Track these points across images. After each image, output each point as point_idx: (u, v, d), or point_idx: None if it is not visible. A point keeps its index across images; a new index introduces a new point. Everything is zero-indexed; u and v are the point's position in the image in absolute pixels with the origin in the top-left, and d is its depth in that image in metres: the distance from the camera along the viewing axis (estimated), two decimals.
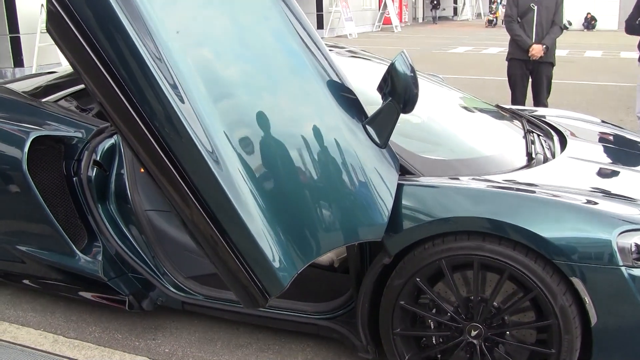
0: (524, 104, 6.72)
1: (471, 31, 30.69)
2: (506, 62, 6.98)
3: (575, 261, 2.42)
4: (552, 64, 6.70)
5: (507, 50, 6.92)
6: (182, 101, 2.26)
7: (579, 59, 16.85)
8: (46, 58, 11.66)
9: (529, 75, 6.76)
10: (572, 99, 9.66)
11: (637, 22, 6.08)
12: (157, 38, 2.24)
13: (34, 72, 11.09)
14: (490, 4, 39.76)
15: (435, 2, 37.78)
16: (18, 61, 12.05)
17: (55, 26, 2.29)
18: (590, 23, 30.97)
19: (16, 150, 3.18)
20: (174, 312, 3.44)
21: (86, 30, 2.22)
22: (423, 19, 40.05)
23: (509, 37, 6.81)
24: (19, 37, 11.97)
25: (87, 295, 3.37)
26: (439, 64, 15.60)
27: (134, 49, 2.21)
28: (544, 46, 6.47)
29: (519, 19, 6.61)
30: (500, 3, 37.64)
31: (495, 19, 36.07)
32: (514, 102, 6.78)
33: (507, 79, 6.96)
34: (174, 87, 2.25)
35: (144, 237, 3.26)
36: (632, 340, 2.49)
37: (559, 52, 6.91)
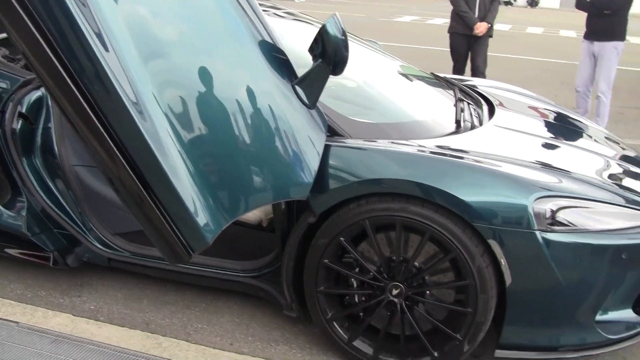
0: (463, 74, 7.00)
1: (418, 1, 30.82)
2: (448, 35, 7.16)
3: (493, 225, 2.51)
4: (490, 36, 7.02)
5: (449, 24, 7.12)
6: (108, 52, 2.17)
7: (520, 35, 17.12)
8: None
9: (469, 47, 7.04)
10: (509, 74, 9.84)
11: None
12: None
13: None
14: None
15: None
16: None
17: None
18: (533, 0, 31.53)
19: None
20: (100, 269, 3.44)
21: None
22: None
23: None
24: None
25: (11, 251, 3.32)
26: (384, 32, 15.64)
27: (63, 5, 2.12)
28: (489, 25, 6.80)
29: None
30: None
31: None
32: (455, 72, 7.04)
33: (449, 50, 7.15)
34: (99, 36, 2.15)
35: (70, 192, 3.21)
36: (544, 301, 2.60)
37: (501, 27, 7.13)
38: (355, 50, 3.51)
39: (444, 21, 19.36)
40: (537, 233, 2.50)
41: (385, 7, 24.89)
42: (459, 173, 2.63)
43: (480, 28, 6.77)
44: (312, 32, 3.55)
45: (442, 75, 4.46)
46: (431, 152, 2.78)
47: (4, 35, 3.55)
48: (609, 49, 6.47)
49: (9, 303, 3.16)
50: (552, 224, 2.53)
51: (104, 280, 3.43)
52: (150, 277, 3.33)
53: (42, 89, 3.18)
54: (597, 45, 6.52)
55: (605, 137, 3.82)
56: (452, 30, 7.12)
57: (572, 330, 2.68)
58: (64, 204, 3.22)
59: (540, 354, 2.70)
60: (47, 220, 3.26)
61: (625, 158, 3.46)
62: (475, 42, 6.95)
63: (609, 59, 6.50)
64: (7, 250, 3.34)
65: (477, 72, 6.98)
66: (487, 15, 6.80)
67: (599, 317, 2.65)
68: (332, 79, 2.71)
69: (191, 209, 2.40)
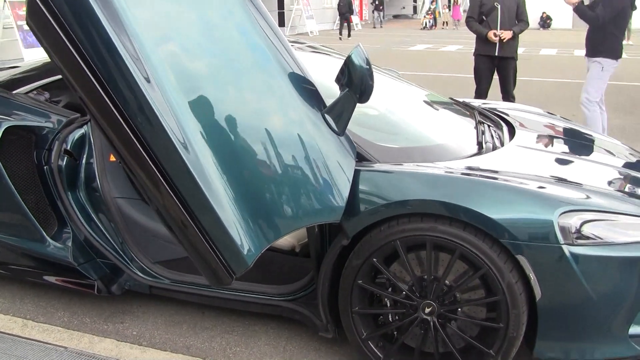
0: (486, 96, 7.07)
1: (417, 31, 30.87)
2: (472, 58, 7.35)
3: (520, 240, 2.58)
4: (515, 59, 7.10)
5: (474, 47, 7.30)
6: (155, 92, 2.39)
7: (535, 57, 17.26)
8: (7, 54, 11.66)
9: (494, 70, 7.14)
10: (528, 95, 9.91)
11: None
12: (131, 33, 2.36)
13: None
14: (430, 3, 36.25)
15: (377, 2, 33.82)
16: None
17: (36, 21, 2.39)
18: (545, 22, 31.71)
19: None
20: (141, 296, 3.56)
21: (66, 26, 2.33)
22: (383, 17, 39.95)
23: (471, 35, 7.15)
24: None
25: (57, 280, 3.47)
26: (400, 60, 15.84)
27: (111, 46, 2.33)
28: (512, 31, 6.87)
29: (484, 17, 6.99)
30: (438, 3, 34.99)
31: (432, 21, 33.53)
32: (478, 95, 7.14)
33: (465, 75, 7.30)
34: (147, 80, 2.38)
35: (112, 223, 3.36)
36: (575, 315, 2.65)
37: None
38: (377, 79, 3.63)
39: (457, 48, 19.61)
40: (564, 247, 2.56)
41: (397, 37, 25.21)
42: (484, 191, 2.72)
43: (505, 34, 6.82)
44: (332, 62, 3.75)
45: (460, 99, 4.58)
46: (455, 173, 2.88)
47: (45, 80, 3.74)
48: (592, 64, 6.53)
49: (57, 329, 3.31)
50: (578, 238, 2.58)
51: (145, 307, 3.56)
52: (189, 303, 3.44)
53: (85, 127, 3.36)
54: (587, 60, 6.64)
55: (627, 151, 3.92)
56: (476, 53, 7.23)
57: (605, 343, 2.69)
58: (107, 234, 3.37)
59: None
60: (91, 251, 3.40)
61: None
62: (501, 65, 7.05)
63: (591, 74, 6.57)
64: (50, 278, 3.49)
65: (508, 94, 7.06)
66: (513, 29, 6.88)
67: (632, 331, 2.67)
68: (358, 107, 2.84)
69: (232, 233, 2.53)
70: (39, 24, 2.39)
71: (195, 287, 3.26)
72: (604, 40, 6.41)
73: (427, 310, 2.78)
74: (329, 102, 2.83)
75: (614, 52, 6.43)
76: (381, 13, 34.27)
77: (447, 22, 34.87)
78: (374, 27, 33.05)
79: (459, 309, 2.79)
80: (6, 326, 3.33)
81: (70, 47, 2.34)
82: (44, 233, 3.35)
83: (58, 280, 3.47)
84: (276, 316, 3.26)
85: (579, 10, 6.41)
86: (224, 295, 3.21)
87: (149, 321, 3.42)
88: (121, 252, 3.36)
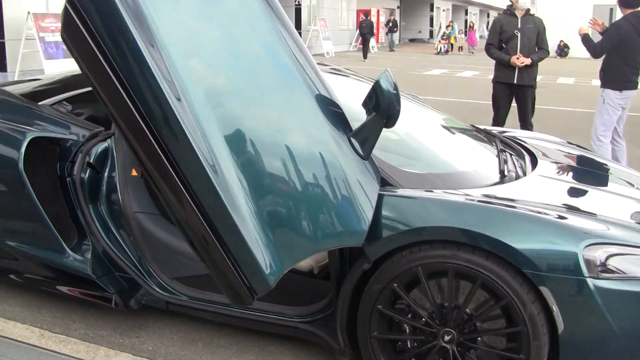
0: (504, 124, 7.04)
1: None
2: (489, 84, 7.38)
3: (544, 271, 2.56)
4: (534, 87, 7.07)
5: (493, 74, 7.28)
6: (184, 109, 2.41)
7: (552, 85, 17.25)
8: (29, 64, 11.87)
9: (512, 98, 7.11)
10: (545, 124, 9.89)
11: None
12: (162, 47, 2.38)
13: (16, 77, 11.27)
14: (445, 28, 35.57)
15: (390, 24, 33.36)
16: (1, 66, 12.26)
17: (69, 34, 2.42)
18: (563, 50, 31.73)
19: (13, 150, 3.28)
20: (158, 312, 3.55)
21: (98, 39, 2.37)
22: (399, 40, 40.02)
23: (487, 61, 7.11)
24: (3, 42, 12.26)
25: (74, 292, 3.47)
26: (416, 85, 15.85)
27: (142, 61, 2.36)
28: (529, 59, 6.84)
29: (503, 44, 6.98)
30: (454, 29, 34.48)
31: (447, 47, 33.18)
32: (495, 122, 7.11)
33: (481, 101, 7.25)
34: (178, 97, 2.41)
35: (132, 238, 3.36)
36: (598, 350, 2.62)
37: None
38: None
39: (473, 74, 19.62)
40: (589, 280, 2.54)
41: (412, 61, 25.30)
42: (508, 221, 2.71)
43: (521, 58, 6.79)
44: (355, 85, 3.77)
45: (481, 127, 4.58)
46: (479, 201, 2.87)
47: (70, 93, 3.78)
48: (599, 95, 6.52)
49: (74, 341, 3.31)
50: (603, 272, 2.56)
51: (161, 323, 3.55)
52: (205, 320, 3.43)
53: (108, 141, 3.39)
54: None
55: None
56: (495, 80, 7.19)
57: None
58: (126, 248, 3.37)
59: None
60: (110, 264, 3.40)
61: None
62: (519, 93, 7.01)
63: (597, 106, 6.55)
64: (68, 290, 3.49)
65: (526, 122, 7.01)
66: (531, 57, 6.85)
67: None
68: (382, 131, 2.84)
69: (256, 252, 2.53)
70: (72, 37, 2.42)
71: (212, 305, 3.25)
72: (606, 71, 6.43)
73: (447, 338, 2.76)
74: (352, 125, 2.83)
75: (617, 84, 6.37)
76: (394, 35, 33.96)
77: (462, 48, 34.87)
78: (390, 50, 32.89)
79: (479, 338, 2.76)
80: (23, 335, 3.33)
81: (102, 61, 2.37)
82: (64, 244, 3.36)
83: (75, 291, 3.47)
84: (293, 337, 3.24)
85: (584, 40, 6.46)
86: (241, 314, 3.19)
87: (165, 337, 3.41)
88: (139, 267, 3.36)
